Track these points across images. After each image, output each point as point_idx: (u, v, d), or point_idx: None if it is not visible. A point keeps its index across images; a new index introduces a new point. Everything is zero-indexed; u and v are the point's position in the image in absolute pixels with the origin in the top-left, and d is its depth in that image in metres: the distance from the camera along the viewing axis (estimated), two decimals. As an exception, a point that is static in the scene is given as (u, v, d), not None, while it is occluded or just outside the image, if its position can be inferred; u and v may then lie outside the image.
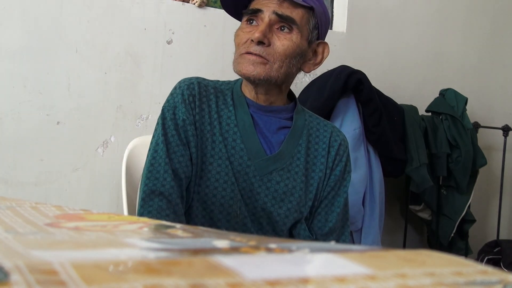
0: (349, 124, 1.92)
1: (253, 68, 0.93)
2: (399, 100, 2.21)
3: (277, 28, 0.95)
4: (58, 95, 1.69)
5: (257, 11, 0.95)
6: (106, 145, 1.77)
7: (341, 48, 2.24)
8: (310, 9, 0.97)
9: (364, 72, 1.96)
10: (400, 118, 2.13)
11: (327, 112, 1.89)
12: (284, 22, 0.94)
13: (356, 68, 1.97)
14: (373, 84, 1.99)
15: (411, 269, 0.23)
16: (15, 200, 0.41)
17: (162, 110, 0.99)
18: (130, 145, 1.34)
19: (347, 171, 1.08)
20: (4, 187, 1.62)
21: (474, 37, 2.63)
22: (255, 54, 0.93)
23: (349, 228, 1.10)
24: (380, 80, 2.25)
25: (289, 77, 1.00)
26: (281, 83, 0.99)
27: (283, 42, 0.94)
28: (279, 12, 0.93)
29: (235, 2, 1.01)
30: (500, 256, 2.31)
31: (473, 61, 2.64)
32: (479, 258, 2.37)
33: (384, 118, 2.00)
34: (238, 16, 1.04)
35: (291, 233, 1.04)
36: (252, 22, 0.96)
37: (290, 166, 1.01)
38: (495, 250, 2.36)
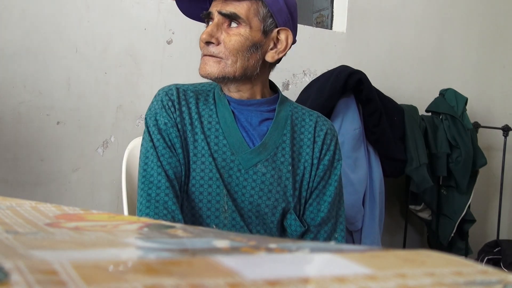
0: (349, 124, 1.92)
1: (207, 68, 0.98)
2: (399, 100, 2.21)
3: (227, 26, 0.98)
4: (58, 95, 1.69)
5: (209, 13, 1.00)
6: (106, 145, 1.77)
7: (341, 48, 2.24)
8: None
9: (364, 72, 1.96)
10: (400, 118, 2.13)
11: (327, 112, 1.89)
12: (229, 19, 0.97)
13: (356, 68, 1.97)
14: (373, 84, 1.99)
15: (411, 269, 0.23)
16: (15, 200, 0.41)
17: (145, 119, 1.04)
18: (130, 145, 1.34)
19: (336, 160, 1.08)
20: (4, 187, 1.62)
21: (474, 37, 2.63)
22: (208, 55, 0.98)
23: (344, 219, 1.11)
24: (380, 80, 2.26)
25: (250, 70, 1.00)
26: (243, 77, 1.00)
27: (231, 37, 0.97)
28: (222, 11, 0.97)
29: (193, 9, 1.05)
30: (500, 256, 2.32)
31: (473, 61, 2.64)
32: (479, 258, 2.37)
33: (384, 118, 2.00)
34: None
35: (283, 225, 1.05)
36: (209, 24, 1.01)
37: (275, 156, 1.03)
38: (495, 250, 2.37)
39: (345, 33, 2.25)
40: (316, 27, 2.28)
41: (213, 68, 0.97)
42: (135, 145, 1.33)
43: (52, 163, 1.69)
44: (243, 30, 0.97)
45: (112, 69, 1.77)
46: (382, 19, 2.35)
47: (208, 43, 0.97)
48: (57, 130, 1.70)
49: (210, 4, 1.02)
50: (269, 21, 1.00)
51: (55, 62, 1.69)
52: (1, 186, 1.62)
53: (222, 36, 0.97)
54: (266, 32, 1.00)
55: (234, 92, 1.03)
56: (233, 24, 0.97)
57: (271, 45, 1.02)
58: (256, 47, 0.99)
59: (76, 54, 1.72)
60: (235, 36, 0.97)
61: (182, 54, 1.89)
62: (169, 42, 1.86)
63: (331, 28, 2.33)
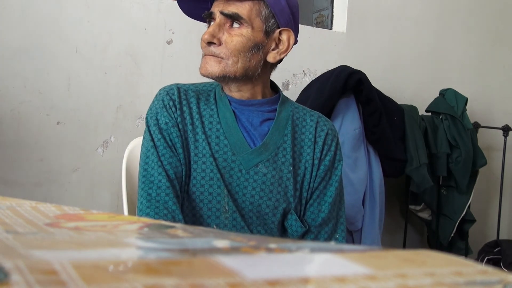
0: (349, 124, 1.92)
1: (208, 68, 0.98)
2: (399, 100, 2.21)
3: (229, 26, 0.98)
4: (58, 95, 1.69)
5: (210, 13, 0.99)
6: (106, 145, 1.77)
7: (341, 48, 2.24)
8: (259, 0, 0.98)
9: (364, 72, 1.96)
10: (400, 118, 2.13)
11: (327, 112, 1.89)
12: (231, 19, 0.97)
13: (356, 68, 1.97)
14: (373, 84, 1.99)
15: (411, 269, 0.23)
16: (15, 200, 0.41)
17: (146, 118, 1.03)
18: (130, 145, 1.34)
19: (337, 160, 1.08)
20: (4, 187, 1.62)
21: (474, 37, 2.63)
22: (209, 55, 0.98)
23: (345, 219, 1.11)
24: (380, 80, 2.25)
25: (251, 70, 1.00)
26: (244, 77, 1.00)
27: (232, 38, 0.97)
28: (225, 11, 0.96)
29: (194, 9, 1.05)
30: (500, 256, 2.32)
31: (473, 61, 2.64)
32: (479, 258, 2.37)
33: (384, 118, 2.00)
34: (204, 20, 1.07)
35: (284, 226, 1.05)
36: (210, 24, 1.01)
37: (276, 157, 1.03)
38: (495, 250, 2.37)
39: (345, 33, 2.25)
40: (316, 27, 2.28)
41: (214, 67, 0.97)
42: (135, 145, 1.33)
43: (52, 163, 1.69)
44: (245, 31, 0.97)
45: (112, 69, 1.77)
46: (382, 19, 2.35)
47: (209, 43, 0.97)
48: (57, 130, 1.70)
49: (211, 4, 1.02)
50: (271, 21, 0.99)
51: (55, 62, 1.69)
52: (1, 186, 1.62)
53: (224, 37, 0.97)
54: (268, 33, 1.00)
55: (235, 92, 1.03)
56: (235, 25, 0.97)
57: (273, 45, 1.02)
58: (258, 47, 0.99)
59: (76, 54, 1.72)
60: (236, 37, 0.96)
61: (182, 54, 1.89)
62: (169, 42, 1.86)
63: (331, 28, 2.33)
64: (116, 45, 1.77)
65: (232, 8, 0.96)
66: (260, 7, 0.98)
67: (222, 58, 0.97)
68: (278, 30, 1.01)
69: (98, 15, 1.74)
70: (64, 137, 1.71)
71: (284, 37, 1.02)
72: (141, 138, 1.38)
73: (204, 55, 0.99)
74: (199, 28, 1.91)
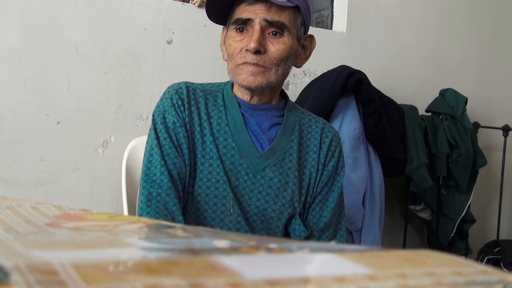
0: (349, 124, 1.92)
1: (253, 79, 0.95)
2: (399, 100, 2.21)
3: (269, 34, 0.96)
4: (58, 95, 1.69)
5: (247, 20, 0.95)
6: (106, 145, 1.77)
7: (341, 48, 2.24)
8: (295, 8, 0.98)
9: (364, 72, 1.96)
10: (400, 118, 2.13)
11: (327, 112, 1.89)
12: (275, 27, 0.95)
13: (356, 68, 1.97)
14: (373, 84, 1.99)
15: (411, 269, 0.23)
16: (15, 200, 0.41)
17: (153, 115, 1.02)
18: (130, 145, 1.34)
19: (340, 166, 1.09)
20: (4, 187, 1.62)
21: (474, 37, 2.63)
22: (253, 64, 0.95)
23: (345, 224, 1.11)
24: (380, 80, 2.25)
25: (285, 77, 1.02)
26: (278, 85, 1.01)
27: (277, 47, 0.95)
28: (269, 19, 0.94)
29: (218, 10, 1.02)
30: (500, 256, 2.31)
31: (473, 61, 2.64)
32: (479, 258, 2.37)
33: (384, 118, 2.00)
34: (220, 22, 1.05)
35: (286, 229, 1.05)
36: (242, 30, 0.97)
37: (283, 162, 1.03)
38: (495, 250, 2.36)
39: (345, 33, 2.25)
40: (316, 27, 2.28)
41: (260, 78, 0.95)
42: (135, 145, 1.33)
43: (52, 163, 1.69)
44: (287, 39, 0.96)
45: (112, 69, 1.77)
46: (382, 19, 2.35)
47: (256, 52, 0.94)
48: (57, 130, 1.70)
49: (231, 8, 1.00)
50: (302, 28, 1.01)
51: (55, 62, 1.69)
52: (1, 186, 1.62)
53: (267, 45, 0.95)
54: (299, 40, 1.01)
55: (256, 96, 1.02)
56: (277, 33, 0.96)
57: (300, 51, 1.03)
58: (294, 55, 1.00)
59: (76, 54, 1.72)
60: (280, 45, 0.95)
61: (182, 54, 1.89)
62: (169, 42, 1.86)
63: (331, 28, 2.33)
64: (116, 45, 1.77)
65: (275, 16, 0.94)
66: (295, 15, 0.98)
67: (265, 67, 0.95)
68: (304, 37, 1.03)
69: (98, 15, 1.74)
70: (64, 137, 1.71)
71: (307, 42, 1.04)
72: (141, 138, 1.38)
73: (244, 63, 0.95)
74: (199, 28, 1.91)
